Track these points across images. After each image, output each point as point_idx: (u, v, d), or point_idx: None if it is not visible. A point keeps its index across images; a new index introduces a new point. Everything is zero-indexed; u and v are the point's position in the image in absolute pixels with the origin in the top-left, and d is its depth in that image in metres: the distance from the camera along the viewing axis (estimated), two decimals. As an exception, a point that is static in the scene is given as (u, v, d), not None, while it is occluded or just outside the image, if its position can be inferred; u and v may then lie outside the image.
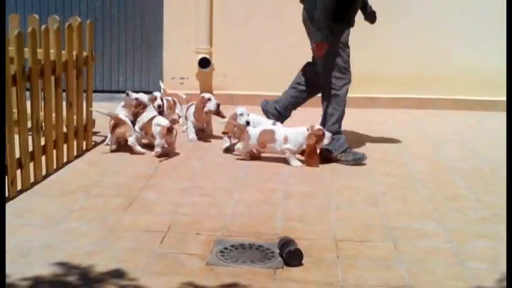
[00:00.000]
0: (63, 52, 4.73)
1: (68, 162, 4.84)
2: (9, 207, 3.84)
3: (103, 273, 3.08)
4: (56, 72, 4.57)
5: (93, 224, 3.69)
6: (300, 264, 3.23)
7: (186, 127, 5.69)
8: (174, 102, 6.10)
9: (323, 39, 4.87)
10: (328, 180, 4.62)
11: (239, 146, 5.05)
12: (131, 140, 5.04)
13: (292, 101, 5.39)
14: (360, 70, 6.87)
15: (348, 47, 5.09)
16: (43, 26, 4.54)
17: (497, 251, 3.45)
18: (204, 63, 6.93)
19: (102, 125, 5.44)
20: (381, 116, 6.70)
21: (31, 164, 4.27)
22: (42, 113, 4.53)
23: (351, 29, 5.12)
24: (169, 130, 5.01)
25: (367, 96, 6.98)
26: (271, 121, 5.25)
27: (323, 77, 5.09)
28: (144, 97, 5.31)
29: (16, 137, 4.07)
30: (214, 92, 6.95)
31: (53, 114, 4.61)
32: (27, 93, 4.20)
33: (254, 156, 5.07)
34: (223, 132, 5.23)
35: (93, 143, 5.34)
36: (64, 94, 4.78)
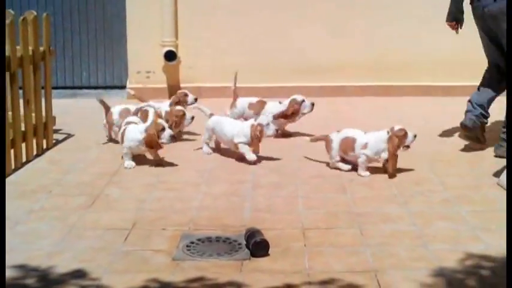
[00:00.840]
0: (18, 47, 4.61)
1: (28, 161, 4.73)
2: (-33, 210, 3.73)
3: (63, 274, 3.00)
4: (11, 68, 4.45)
5: (54, 224, 3.60)
6: (266, 254, 3.21)
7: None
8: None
9: None
10: (296, 170, 4.61)
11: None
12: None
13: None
14: (329, 59, 6.95)
15: None
16: (-4, 21, 4.42)
17: (458, 232, 3.49)
18: (170, 56, 6.82)
19: (63, 123, 5.33)
20: (348, 103, 6.70)
21: (-13, 165, 4.16)
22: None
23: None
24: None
25: (336, 85, 6.99)
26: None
27: None
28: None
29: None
30: (181, 86, 6.88)
31: (9, 113, 4.49)
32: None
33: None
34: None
35: (54, 141, 5.22)
36: (21, 91, 4.67)
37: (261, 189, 4.20)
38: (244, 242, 3.32)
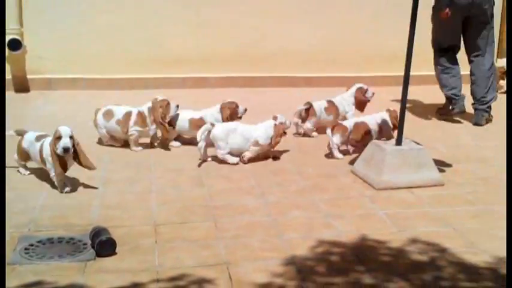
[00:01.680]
0: None
1: None
2: None
3: None
4: None
5: None
6: (113, 253, 3.05)
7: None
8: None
9: None
10: (152, 164, 4.43)
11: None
12: None
13: None
14: (191, 50, 6.82)
15: None
16: None
17: (311, 220, 3.51)
18: (14, 45, 6.31)
19: None
20: (211, 95, 6.60)
21: None
22: None
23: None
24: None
25: (199, 76, 6.89)
26: None
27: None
28: None
29: None
30: (29, 77, 6.41)
31: None
32: None
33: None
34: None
35: None
36: None
37: (112, 185, 3.99)
38: (90, 242, 3.11)
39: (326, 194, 3.90)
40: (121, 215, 3.52)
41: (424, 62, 5.93)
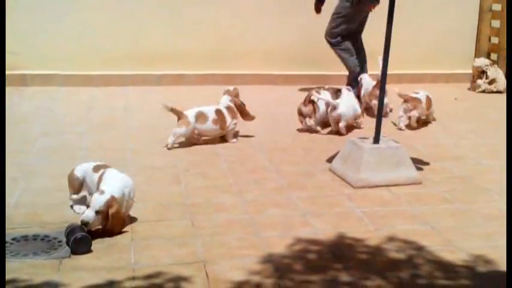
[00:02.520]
0: None
1: None
2: None
3: None
4: None
5: None
6: (89, 251, 3.01)
7: None
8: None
9: None
10: (129, 161, 4.38)
11: None
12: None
13: None
14: (168, 47, 6.77)
15: None
16: None
17: (289, 218, 3.51)
18: None
19: None
20: (188, 92, 6.57)
21: None
22: None
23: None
24: None
25: (175, 73, 6.84)
26: None
27: None
28: None
29: None
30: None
31: None
32: None
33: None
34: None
35: None
36: None
37: (86, 182, 3.92)
38: (65, 239, 3.07)
39: (304, 192, 3.90)
40: (97, 212, 3.47)
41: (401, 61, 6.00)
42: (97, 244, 3.05)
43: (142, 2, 6.69)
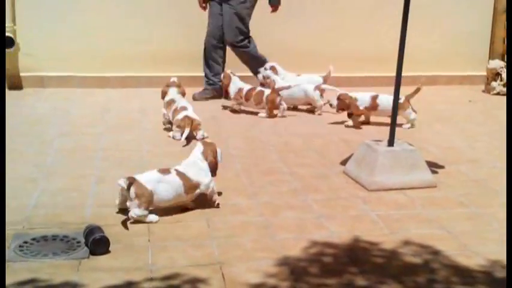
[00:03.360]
0: None
1: None
2: None
3: None
4: None
5: None
6: (107, 251, 3.05)
7: None
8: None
9: None
10: (145, 162, 4.41)
11: None
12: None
13: None
14: (183, 48, 6.80)
15: None
16: None
17: (304, 220, 3.52)
18: (8, 42, 6.29)
19: None
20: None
21: None
22: None
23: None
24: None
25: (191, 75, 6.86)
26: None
27: None
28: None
29: None
30: (22, 75, 6.38)
31: None
32: None
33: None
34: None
35: None
36: None
37: (105, 183, 3.97)
38: (83, 240, 3.11)
39: (318, 195, 3.92)
40: (114, 213, 3.50)
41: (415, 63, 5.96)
42: (115, 245, 3.09)
43: (160, 4, 6.72)
